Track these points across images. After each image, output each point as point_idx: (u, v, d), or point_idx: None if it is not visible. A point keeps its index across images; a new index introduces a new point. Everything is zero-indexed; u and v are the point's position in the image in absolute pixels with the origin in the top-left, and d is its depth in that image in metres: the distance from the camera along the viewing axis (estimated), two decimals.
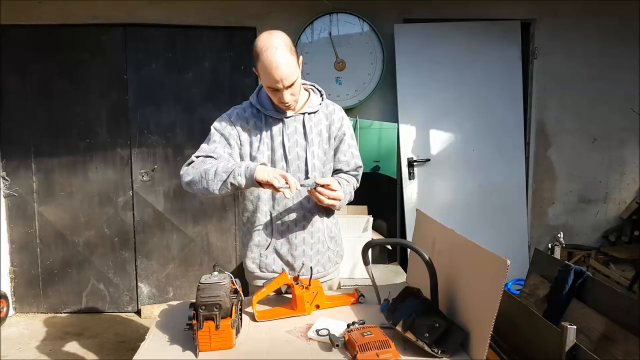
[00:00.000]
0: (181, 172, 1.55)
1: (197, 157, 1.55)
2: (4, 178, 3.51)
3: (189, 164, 1.55)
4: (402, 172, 3.44)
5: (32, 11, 3.35)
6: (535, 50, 3.56)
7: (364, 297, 1.57)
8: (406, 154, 3.44)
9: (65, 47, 3.42)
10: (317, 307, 1.51)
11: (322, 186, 1.51)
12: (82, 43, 3.43)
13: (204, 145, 1.59)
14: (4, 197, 3.53)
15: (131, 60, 3.46)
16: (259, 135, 1.59)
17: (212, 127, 1.62)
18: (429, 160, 3.46)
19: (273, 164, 1.60)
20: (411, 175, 3.44)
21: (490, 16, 3.48)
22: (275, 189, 1.39)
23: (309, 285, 1.49)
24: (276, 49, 1.43)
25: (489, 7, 3.50)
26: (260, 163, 1.46)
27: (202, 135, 3.62)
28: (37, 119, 3.47)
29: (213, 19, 3.44)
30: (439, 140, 3.47)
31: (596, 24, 3.53)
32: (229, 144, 1.58)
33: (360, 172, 1.79)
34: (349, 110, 3.47)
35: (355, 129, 3.22)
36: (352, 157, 1.73)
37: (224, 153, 1.56)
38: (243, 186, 1.45)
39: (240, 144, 1.59)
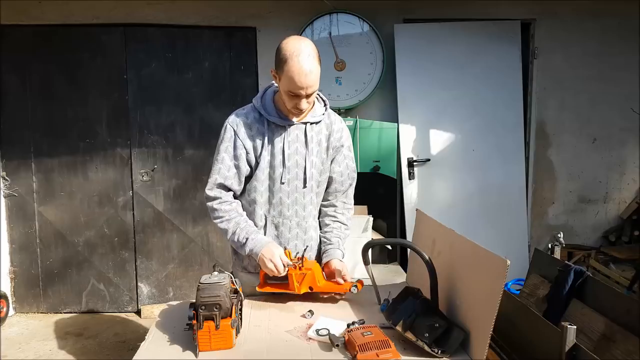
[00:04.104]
0: (208, 204, 1.64)
1: (215, 195, 1.61)
2: (4, 178, 3.51)
3: (210, 200, 1.63)
4: (402, 172, 3.44)
5: (32, 11, 3.35)
6: (535, 50, 3.56)
7: (356, 287, 1.56)
8: (406, 154, 3.44)
9: (65, 47, 3.42)
10: (311, 289, 1.55)
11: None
12: (82, 43, 3.42)
13: (215, 168, 1.60)
14: (4, 197, 3.52)
15: (131, 60, 3.46)
16: (261, 141, 1.59)
17: (220, 141, 1.61)
18: (429, 160, 3.45)
19: (272, 169, 1.61)
20: (411, 175, 3.44)
21: (490, 16, 3.48)
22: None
23: (302, 266, 1.54)
24: (308, 56, 1.44)
25: (489, 7, 3.50)
26: (266, 243, 1.56)
27: (202, 135, 3.65)
28: (37, 119, 3.46)
29: (213, 19, 3.44)
30: (439, 140, 3.47)
31: (596, 24, 3.53)
32: (235, 157, 1.60)
33: (354, 184, 1.80)
34: (349, 110, 3.47)
35: (355, 129, 3.22)
36: (346, 168, 1.73)
37: (232, 174, 1.60)
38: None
39: (246, 152, 1.59)
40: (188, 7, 3.40)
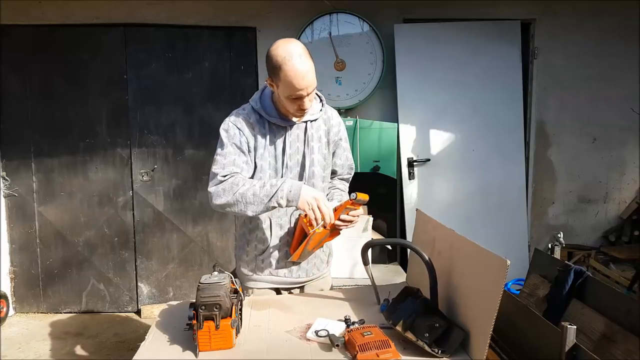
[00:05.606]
0: (210, 191, 1.49)
1: (224, 176, 1.49)
2: (4, 178, 3.51)
3: (217, 183, 1.49)
4: (402, 172, 3.44)
5: (32, 11, 3.35)
6: (535, 50, 3.56)
7: (355, 194, 1.46)
8: (406, 154, 3.44)
9: (65, 47, 3.42)
10: (324, 226, 1.47)
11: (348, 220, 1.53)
12: (82, 43, 3.42)
13: (220, 159, 1.52)
14: (4, 197, 3.52)
15: (131, 60, 3.46)
16: (262, 142, 1.57)
17: (223, 138, 1.55)
18: (429, 160, 3.45)
19: (274, 170, 1.60)
20: (411, 175, 3.44)
21: (490, 16, 3.48)
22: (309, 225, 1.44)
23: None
24: (300, 57, 1.42)
25: (489, 7, 3.50)
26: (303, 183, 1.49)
27: (202, 135, 3.64)
28: (37, 119, 3.46)
29: (213, 19, 3.44)
30: (439, 140, 3.47)
31: (596, 24, 3.53)
32: (243, 152, 1.55)
33: (352, 173, 1.86)
34: (349, 110, 3.47)
35: (355, 129, 3.22)
36: (346, 160, 1.80)
37: (243, 164, 1.54)
38: (284, 207, 1.48)
39: (249, 149, 1.57)
40: (188, 7, 3.40)
